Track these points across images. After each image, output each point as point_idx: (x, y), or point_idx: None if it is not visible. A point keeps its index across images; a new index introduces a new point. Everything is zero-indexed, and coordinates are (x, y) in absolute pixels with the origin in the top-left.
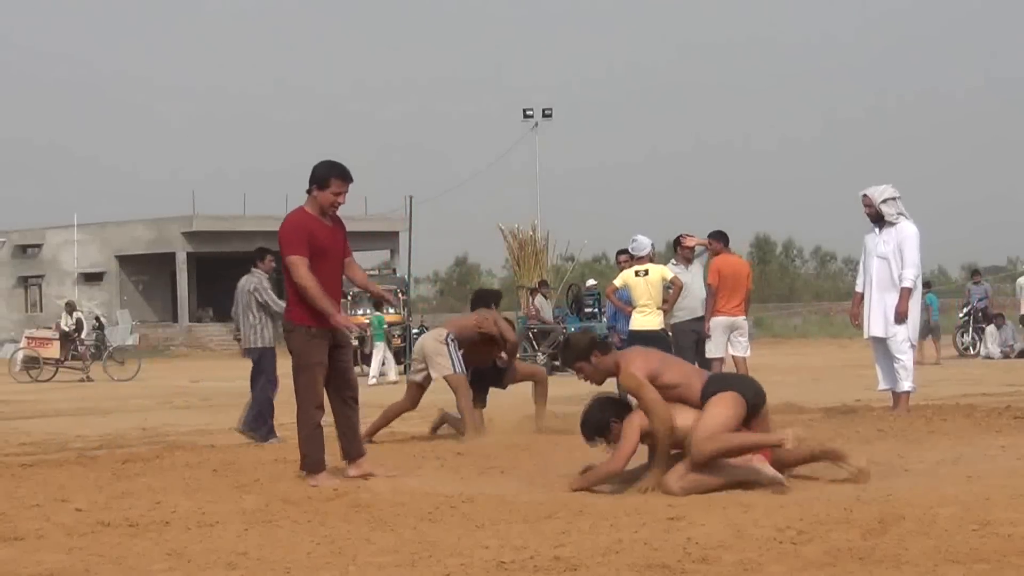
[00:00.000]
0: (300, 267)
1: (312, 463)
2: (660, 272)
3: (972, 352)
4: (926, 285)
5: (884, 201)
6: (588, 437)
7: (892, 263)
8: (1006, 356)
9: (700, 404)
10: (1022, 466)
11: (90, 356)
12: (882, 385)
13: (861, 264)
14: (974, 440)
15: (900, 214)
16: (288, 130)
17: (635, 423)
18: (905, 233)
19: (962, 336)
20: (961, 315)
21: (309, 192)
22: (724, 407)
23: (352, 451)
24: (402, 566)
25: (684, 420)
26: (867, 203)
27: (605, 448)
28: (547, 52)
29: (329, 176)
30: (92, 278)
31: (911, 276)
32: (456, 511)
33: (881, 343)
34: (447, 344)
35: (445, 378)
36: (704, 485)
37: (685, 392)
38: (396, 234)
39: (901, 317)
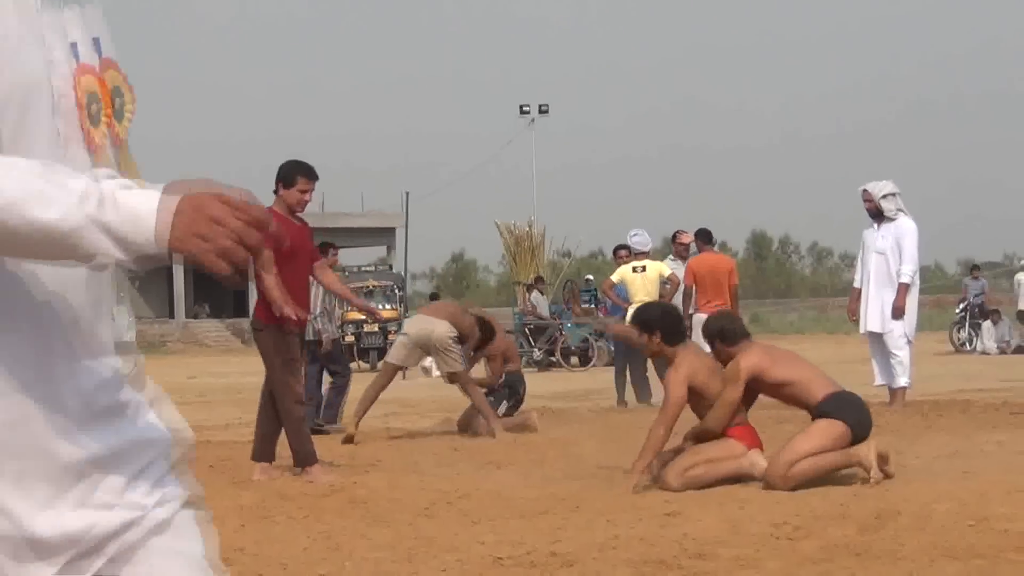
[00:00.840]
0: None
1: (304, 456)
2: (657, 268)
3: (968, 348)
4: None
5: (884, 197)
6: (635, 322)
7: (890, 259)
8: (1002, 352)
9: (814, 412)
10: (1018, 462)
11: None
12: (878, 380)
13: (859, 260)
14: (970, 436)
15: (899, 210)
16: (283, 126)
17: (682, 374)
18: (904, 229)
19: (958, 332)
20: (958, 311)
21: (275, 192)
22: (821, 438)
23: (267, 453)
24: (398, 561)
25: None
26: (867, 198)
27: (640, 336)
28: (545, 49)
29: (295, 174)
30: None
31: (909, 272)
32: (452, 507)
33: (878, 338)
34: (458, 346)
35: (454, 373)
36: (703, 481)
37: (799, 392)
38: (393, 230)
39: (899, 313)
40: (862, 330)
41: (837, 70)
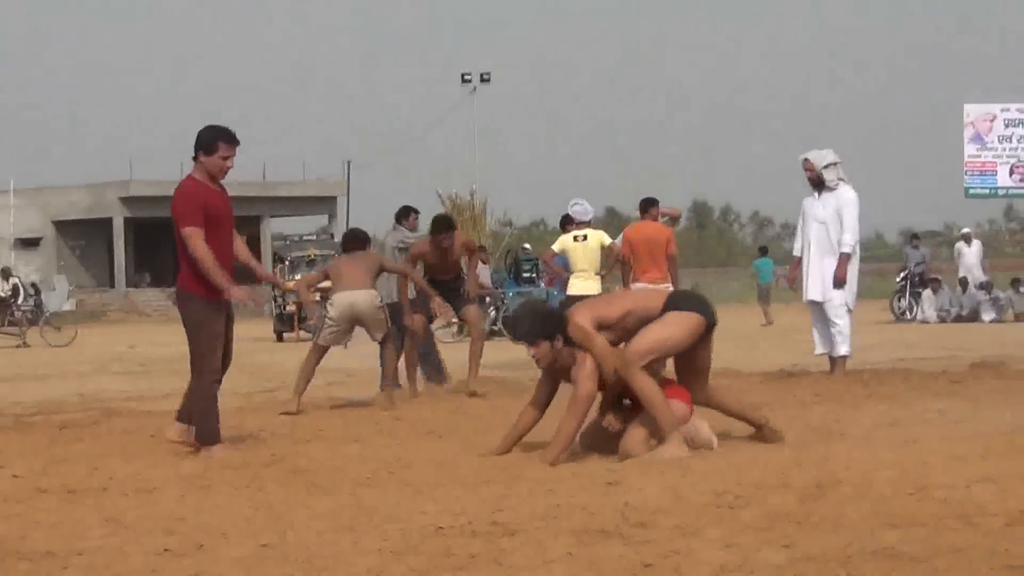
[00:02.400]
0: (196, 239)
1: (207, 435)
2: (598, 238)
3: (909, 316)
4: (761, 251)
5: (826, 167)
6: (532, 337)
7: (831, 228)
8: (942, 320)
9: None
10: (958, 430)
11: (27, 322)
12: (819, 349)
13: (799, 228)
14: (911, 404)
15: (840, 179)
16: (225, 94)
17: (589, 368)
18: (845, 199)
19: (899, 300)
20: (898, 280)
21: (195, 159)
22: (677, 326)
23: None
24: (340, 531)
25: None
26: (808, 167)
27: (540, 348)
28: (488, 17)
29: (216, 140)
30: (29, 243)
31: (850, 241)
32: (394, 476)
33: (818, 307)
34: (384, 309)
35: (385, 336)
36: None
37: (642, 313)
38: (334, 199)
39: (840, 282)
40: (804, 299)
41: (777, 39)
